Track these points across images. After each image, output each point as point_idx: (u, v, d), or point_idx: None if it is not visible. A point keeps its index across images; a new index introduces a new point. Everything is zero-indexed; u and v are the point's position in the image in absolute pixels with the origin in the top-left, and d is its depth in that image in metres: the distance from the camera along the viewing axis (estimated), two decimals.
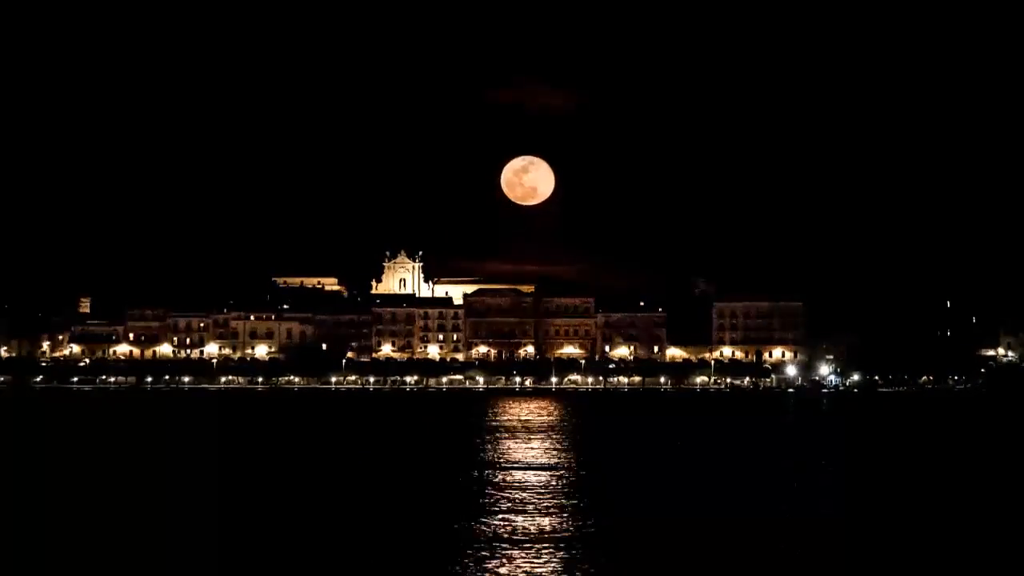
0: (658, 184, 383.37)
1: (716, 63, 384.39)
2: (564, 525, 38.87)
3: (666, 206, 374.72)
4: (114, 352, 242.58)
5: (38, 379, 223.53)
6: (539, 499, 45.35)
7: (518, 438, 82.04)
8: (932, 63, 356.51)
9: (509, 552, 33.64)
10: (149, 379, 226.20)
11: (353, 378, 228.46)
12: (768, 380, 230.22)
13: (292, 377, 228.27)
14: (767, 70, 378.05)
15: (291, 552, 32.97)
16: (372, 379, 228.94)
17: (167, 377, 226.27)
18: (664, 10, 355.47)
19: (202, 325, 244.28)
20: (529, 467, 59.25)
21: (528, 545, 34.67)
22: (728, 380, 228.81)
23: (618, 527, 38.61)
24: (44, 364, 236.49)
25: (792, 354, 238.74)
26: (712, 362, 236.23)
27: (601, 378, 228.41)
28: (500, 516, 40.90)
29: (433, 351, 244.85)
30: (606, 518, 40.42)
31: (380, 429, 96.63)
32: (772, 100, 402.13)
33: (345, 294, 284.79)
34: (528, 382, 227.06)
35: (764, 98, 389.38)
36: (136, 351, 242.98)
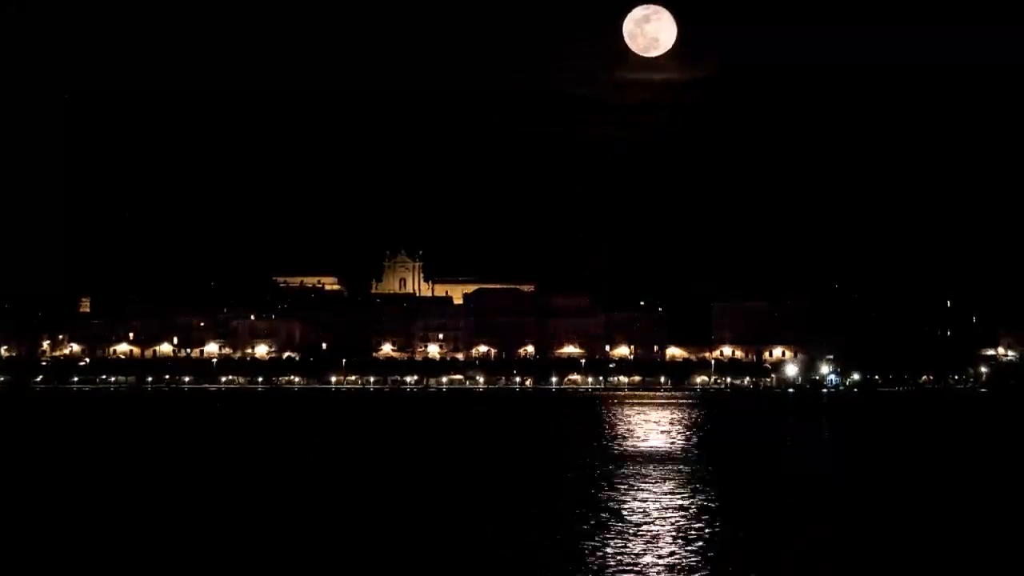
0: (658, 184, 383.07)
1: (717, 65, 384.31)
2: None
3: (666, 206, 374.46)
4: (114, 352, 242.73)
5: (38, 379, 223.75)
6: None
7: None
8: (932, 61, 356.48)
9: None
10: (149, 379, 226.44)
11: (353, 378, 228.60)
12: (768, 380, 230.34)
13: (292, 377, 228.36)
14: (772, 72, 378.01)
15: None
16: (372, 379, 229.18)
17: (167, 377, 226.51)
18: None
19: (202, 325, 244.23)
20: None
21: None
22: (728, 380, 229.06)
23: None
24: (44, 364, 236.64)
25: (792, 354, 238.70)
26: (712, 362, 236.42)
27: (601, 378, 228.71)
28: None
29: (433, 351, 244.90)
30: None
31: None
32: (770, 99, 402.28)
33: (345, 294, 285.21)
34: (528, 382, 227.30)
35: (762, 97, 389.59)
36: (136, 351, 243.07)
